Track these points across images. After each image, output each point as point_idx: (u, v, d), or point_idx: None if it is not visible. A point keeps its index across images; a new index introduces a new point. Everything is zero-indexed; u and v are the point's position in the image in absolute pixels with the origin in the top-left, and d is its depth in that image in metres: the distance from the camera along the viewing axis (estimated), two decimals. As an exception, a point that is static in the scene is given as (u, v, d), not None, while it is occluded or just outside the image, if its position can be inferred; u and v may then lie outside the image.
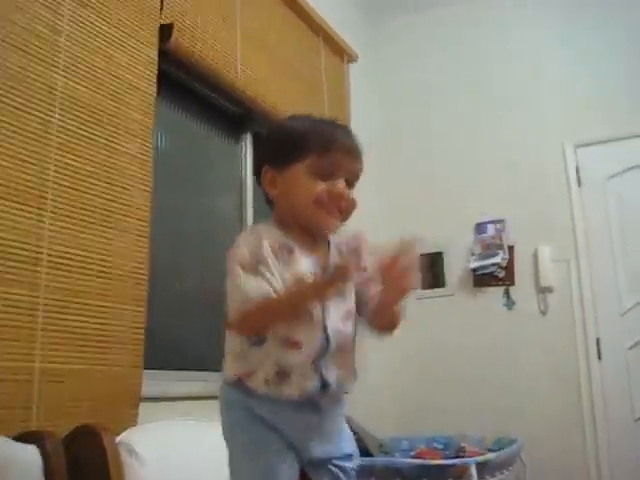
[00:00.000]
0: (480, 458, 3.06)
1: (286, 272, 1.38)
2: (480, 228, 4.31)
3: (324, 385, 1.41)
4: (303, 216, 1.45)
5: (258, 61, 3.27)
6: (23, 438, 1.70)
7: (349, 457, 1.52)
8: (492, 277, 4.23)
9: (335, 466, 1.47)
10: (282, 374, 1.39)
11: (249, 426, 1.41)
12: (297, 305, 1.37)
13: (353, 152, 1.47)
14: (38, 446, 1.65)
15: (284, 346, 1.39)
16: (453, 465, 2.98)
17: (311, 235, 1.48)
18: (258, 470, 1.38)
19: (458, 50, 4.65)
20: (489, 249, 4.22)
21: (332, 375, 1.42)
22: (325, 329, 1.41)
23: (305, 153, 1.43)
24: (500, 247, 4.20)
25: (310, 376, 1.40)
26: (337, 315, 1.44)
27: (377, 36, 4.88)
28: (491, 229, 4.27)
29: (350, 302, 1.48)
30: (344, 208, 1.45)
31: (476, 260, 4.25)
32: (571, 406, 3.95)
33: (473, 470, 2.93)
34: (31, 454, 1.62)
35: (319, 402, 1.43)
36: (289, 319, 1.38)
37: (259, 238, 1.39)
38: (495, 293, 4.24)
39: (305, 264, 1.42)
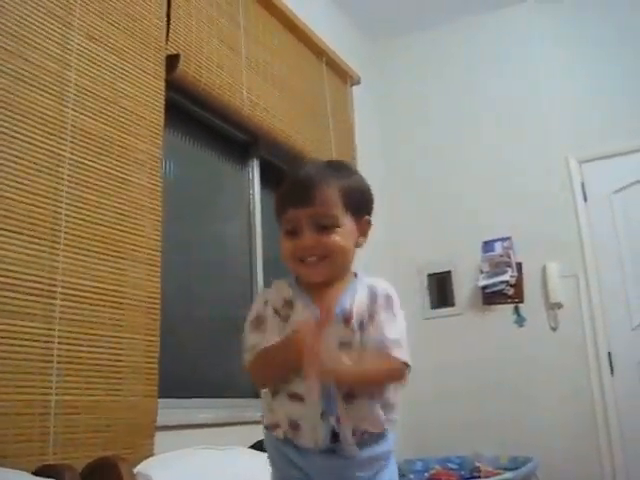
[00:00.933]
0: (497, 478, 3.05)
1: (287, 328, 1.46)
2: (487, 246, 4.31)
3: (335, 436, 1.42)
4: (291, 271, 1.54)
5: (263, 88, 3.30)
6: (42, 472, 1.70)
7: None
8: (501, 295, 4.22)
9: None
10: (294, 426, 1.44)
11: (279, 463, 1.50)
12: (271, 360, 1.44)
13: (304, 201, 1.46)
14: (58, 480, 1.65)
15: (290, 399, 1.44)
16: (470, 486, 2.97)
17: (325, 283, 1.50)
18: None
19: (458, 68, 4.68)
20: (497, 267, 4.22)
21: (344, 426, 1.42)
22: None
23: (277, 216, 1.53)
24: (508, 264, 4.19)
25: (320, 428, 1.42)
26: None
27: (378, 56, 4.92)
28: (498, 247, 4.26)
29: (359, 351, 1.45)
30: (321, 254, 1.46)
31: (485, 278, 4.24)
32: (585, 422, 3.93)
33: (490, 490, 2.92)
34: (52, 489, 1.62)
35: (342, 449, 1.43)
36: (274, 372, 1.46)
37: (262, 298, 1.54)
38: (505, 311, 4.23)
39: (303, 316, 1.46)
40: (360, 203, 1.53)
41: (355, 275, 1.56)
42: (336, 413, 1.42)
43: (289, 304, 1.49)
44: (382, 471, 1.49)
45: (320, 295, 1.48)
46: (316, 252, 1.46)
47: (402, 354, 1.43)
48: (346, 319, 1.45)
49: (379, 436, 1.48)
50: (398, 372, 1.45)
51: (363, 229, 1.54)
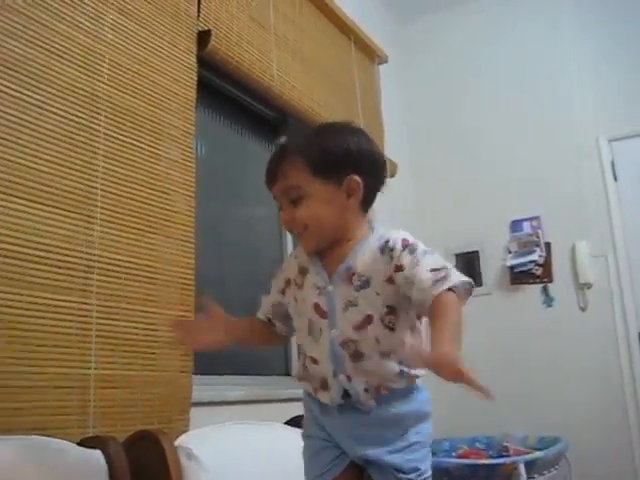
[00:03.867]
0: (529, 457, 3.04)
1: (300, 293, 1.52)
2: (516, 225, 4.27)
3: (346, 394, 1.46)
4: None
5: (292, 66, 3.27)
6: (86, 444, 1.71)
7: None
8: (529, 275, 4.19)
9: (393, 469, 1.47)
10: (324, 384, 1.49)
11: (307, 418, 1.59)
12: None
13: (272, 177, 1.50)
14: (102, 451, 1.66)
15: (310, 362, 1.51)
16: (502, 464, 2.96)
17: (331, 246, 1.51)
18: (304, 461, 1.56)
19: (485, 47, 4.62)
20: (526, 246, 4.18)
21: (355, 384, 1.45)
22: (332, 342, 1.46)
23: None
24: (537, 244, 4.16)
25: (333, 386, 1.47)
26: (348, 325, 1.45)
27: (405, 35, 4.87)
28: (527, 226, 4.23)
29: (366, 309, 1.45)
30: (299, 227, 1.49)
31: (513, 258, 4.21)
32: (615, 403, 3.90)
33: (522, 469, 2.90)
34: (96, 459, 1.63)
35: (357, 403, 1.47)
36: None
37: (289, 257, 1.66)
38: (533, 291, 4.20)
39: (313, 282, 1.50)
40: (333, 165, 1.46)
41: (373, 230, 1.53)
42: (345, 371, 1.45)
43: (304, 270, 1.53)
44: (408, 431, 1.51)
45: (329, 259, 1.51)
46: (294, 227, 1.50)
47: (446, 283, 1.37)
48: (348, 277, 1.46)
49: (402, 394, 1.50)
50: (461, 295, 1.41)
51: (350, 189, 1.47)
